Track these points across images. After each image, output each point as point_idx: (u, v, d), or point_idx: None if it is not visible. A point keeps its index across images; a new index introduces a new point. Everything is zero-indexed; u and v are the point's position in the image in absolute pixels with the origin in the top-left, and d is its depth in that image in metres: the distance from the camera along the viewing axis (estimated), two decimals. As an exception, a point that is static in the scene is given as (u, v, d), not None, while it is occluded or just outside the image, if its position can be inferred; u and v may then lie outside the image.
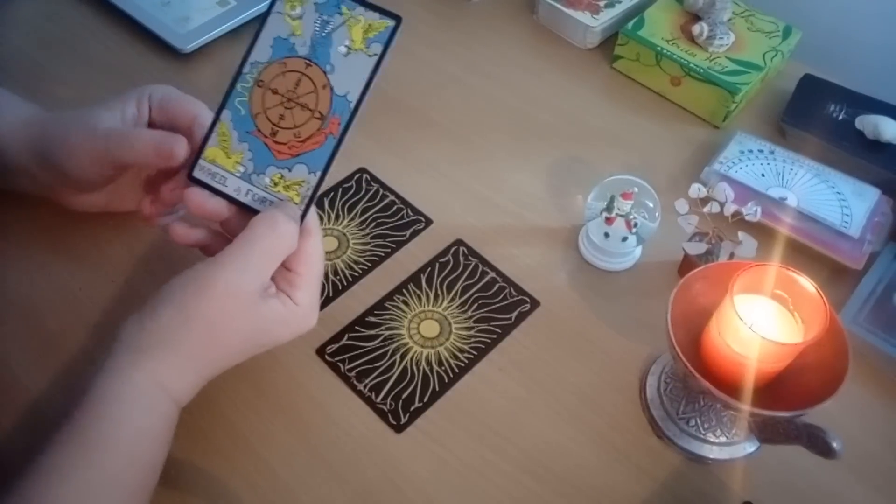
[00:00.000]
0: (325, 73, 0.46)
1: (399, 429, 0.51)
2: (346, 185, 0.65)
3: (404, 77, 0.74)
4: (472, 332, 0.56)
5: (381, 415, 0.52)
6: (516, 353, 0.55)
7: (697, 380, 0.44)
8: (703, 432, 0.50)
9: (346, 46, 0.46)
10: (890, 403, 0.54)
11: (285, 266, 0.46)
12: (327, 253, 0.60)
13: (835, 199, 0.62)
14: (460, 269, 0.60)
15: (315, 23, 0.47)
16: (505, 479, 0.49)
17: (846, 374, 0.43)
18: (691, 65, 0.70)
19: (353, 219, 0.63)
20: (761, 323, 0.45)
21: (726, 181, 0.61)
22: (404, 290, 0.58)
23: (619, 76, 0.76)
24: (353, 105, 0.46)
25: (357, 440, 0.51)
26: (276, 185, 0.47)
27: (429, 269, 0.60)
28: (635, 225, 0.59)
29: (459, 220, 0.63)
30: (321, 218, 0.62)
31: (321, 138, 0.47)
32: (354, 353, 0.55)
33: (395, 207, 0.64)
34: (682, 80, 0.71)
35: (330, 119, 0.46)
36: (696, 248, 0.57)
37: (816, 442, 0.42)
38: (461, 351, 0.55)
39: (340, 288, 0.58)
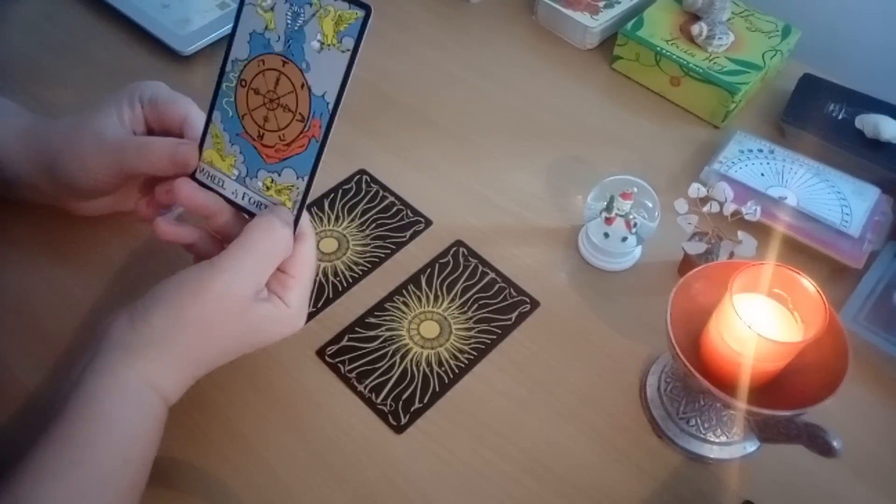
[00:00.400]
0: (301, 71, 0.45)
1: (399, 429, 0.51)
2: (345, 187, 0.65)
3: (404, 77, 0.74)
4: (472, 333, 0.56)
5: (382, 416, 0.52)
6: (516, 353, 0.55)
7: (697, 379, 0.44)
8: (703, 432, 0.50)
9: (318, 41, 0.44)
10: (890, 403, 0.54)
11: (279, 268, 0.46)
12: (327, 254, 0.60)
13: (835, 198, 0.62)
14: (460, 269, 0.60)
15: (286, 15, 0.45)
16: (505, 479, 0.49)
17: (846, 373, 0.43)
18: (691, 65, 0.70)
19: (352, 220, 0.63)
20: (761, 322, 0.45)
21: (726, 181, 0.61)
22: (404, 291, 0.58)
23: (618, 76, 0.76)
24: (331, 106, 0.45)
25: (357, 441, 0.51)
26: (268, 188, 0.47)
27: (429, 269, 0.60)
28: (635, 225, 0.59)
29: (459, 221, 0.63)
30: (321, 219, 0.62)
31: (305, 142, 0.46)
32: (354, 354, 0.55)
33: (394, 208, 0.64)
34: (682, 80, 0.71)
35: (311, 121, 0.45)
36: (696, 248, 0.57)
37: (816, 441, 0.42)
38: (461, 351, 0.55)
39: (340, 289, 0.58)
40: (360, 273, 0.59)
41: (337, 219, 0.63)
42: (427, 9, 0.82)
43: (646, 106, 0.74)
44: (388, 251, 0.61)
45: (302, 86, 0.45)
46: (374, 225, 0.62)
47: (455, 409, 0.52)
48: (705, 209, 0.56)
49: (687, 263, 0.59)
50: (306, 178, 0.46)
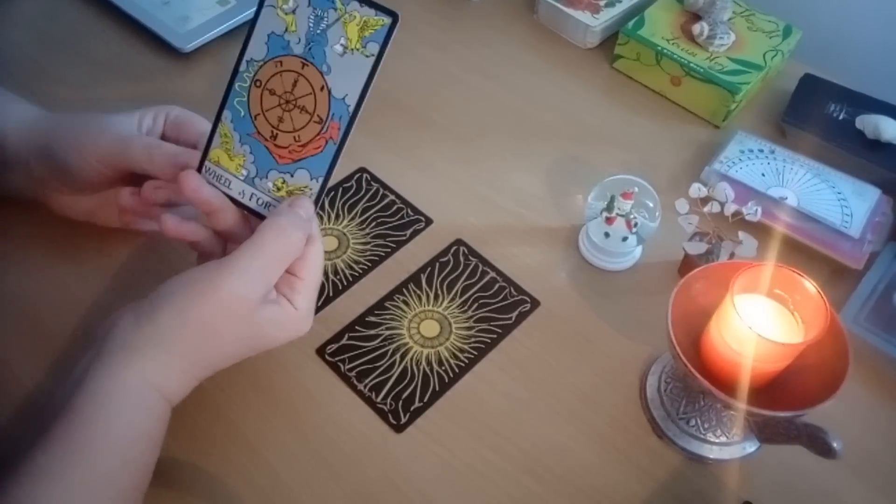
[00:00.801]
0: (322, 74, 0.45)
1: (399, 429, 0.51)
2: (346, 185, 0.65)
3: (404, 77, 0.74)
4: (472, 332, 0.56)
5: (382, 415, 0.52)
6: (516, 352, 0.55)
7: (697, 380, 0.44)
8: (703, 432, 0.50)
9: (342, 45, 0.44)
10: (890, 403, 0.54)
11: (288, 270, 0.46)
12: (328, 253, 0.60)
13: (835, 198, 0.62)
14: (460, 268, 0.60)
15: (309, 18, 0.45)
16: (505, 479, 0.49)
17: (846, 374, 0.43)
18: (691, 64, 0.70)
19: (353, 218, 0.63)
20: (761, 323, 0.45)
21: (726, 181, 0.61)
22: (404, 290, 0.58)
23: (619, 76, 0.76)
24: (351, 109, 0.45)
25: (357, 440, 0.51)
26: (279, 189, 0.47)
27: (429, 268, 0.60)
28: (635, 225, 0.59)
29: (459, 220, 0.63)
30: (321, 218, 0.62)
31: (321, 143, 0.45)
32: (354, 352, 0.55)
33: (395, 207, 0.63)
34: (683, 79, 0.71)
35: (329, 123, 0.45)
36: (697, 248, 0.57)
37: (816, 442, 0.42)
38: (461, 351, 0.55)
39: (341, 288, 0.58)
40: (361, 272, 0.59)
41: (337, 217, 0.63)
42: (427, 8, 0.82)
43: (646, 105, 0.73)
44: (389, 250, 0.61)
45: (322, 88, 0.45)
46: (374, 223, 0.62)
47: (455, 409, 0.52)
48: (706, 209, 0.56)
49: (687, 264, 0.59)
50: (321, 180, 0.46)
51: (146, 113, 0.53)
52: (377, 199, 0.64)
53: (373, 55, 0.44)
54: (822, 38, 0.78)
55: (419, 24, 0.80)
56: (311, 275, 0.47)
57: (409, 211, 0.63)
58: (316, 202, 0.46)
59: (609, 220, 0.58)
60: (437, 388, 0.53)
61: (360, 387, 0.53)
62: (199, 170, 0.48)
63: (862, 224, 0.60)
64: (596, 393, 0.54)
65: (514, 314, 0.57)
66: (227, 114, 0.48)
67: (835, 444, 0.41)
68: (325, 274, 0.59)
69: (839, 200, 0.62)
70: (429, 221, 0.63)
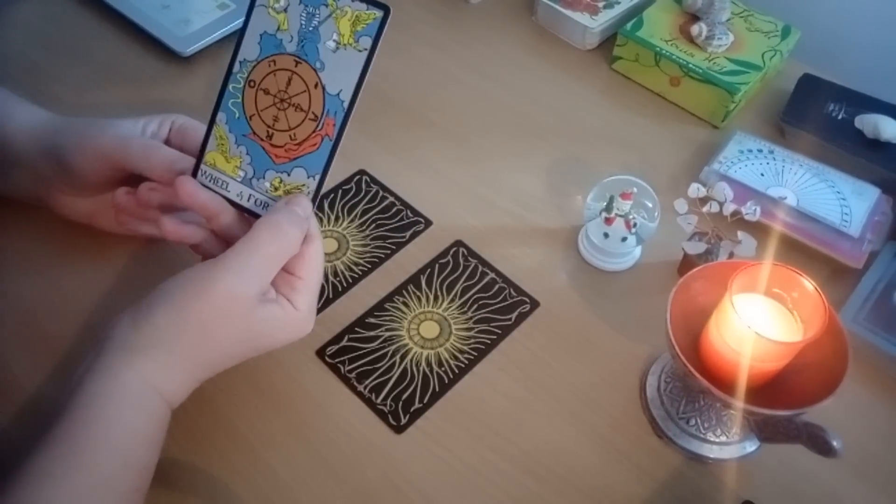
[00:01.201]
0: (315, 70, 0.45)
1: (399, 430, 0.51)
2: (345, 187, 0.65)
3: (404, 77, 0.74)
4: (472, 333, 0.56)
5: (382, 416, 0.52)
6: (516, 353, 0.55)
7: (697, 379, 0.44)
8: (703, 432, 0.50)
9: (334, 41, 0.44)
10: (890, 402, 0.54)
11: (287, 270, 0.46)
12: (328, 255, 0.60)
13: (834, 198, 0.62)
14: (460, 269, 0.60)
15: (301, 16, 0.45)
16: (505, 479, 0.49)
17: (846, 373, 0.43)
18: (690, 65, 0.70)
19: (352, 220, 0.63)
20: (760, 322, 0.45)
21: (725, 181, 0.61)
22: (404, 292, 0.58)
23: (618, 77, 0.76)
24: (346, 104, 0.45)
25: (357, 441, 0.51)
26: (276, 189, 0.47)
27: (428, 270, 0.60)
28: (635, 225, 0.59)
29: (459, 221, 0.63)
30: (320, 220, 0.62)
31: (317, 140, 0.45)
32: (354, 354, 0.55)
33: (394, 209, 0.64)
34: (682, 80, 0.71)
35: (325, 120, 0.45)
36: (696, 248, 0.57)
37: (816, 441, 0.42)
38: (461, 352, 0.55)
39: (340, 289, 0.58)
40: (360, 273, 0.59)
41: (337, 219, 0.63)
42: (426, 9, 0.82)
43: (645, 106, 0.74)
44: (388, 251, 0.61)
45: (316, 85, 0.45)
46: (373, 225, 0.62)
47: (455, 410, 0.52)
48: (705, 209, 0.56)
49: (687, 263, 0.59)
50: (318, 177, 0.46)
51: (152, 120, 0.53)
52: (376, 200, 0.64)
53: (366, 49, 0.44)
54: (820, 38, 0.78)
55: (418, 25, 0.80)
56: (311, 274, 0.46)
57: (409, 212, 0.63)
58: (314, 200, 0.46)
59: (608, 221, 0.58)
60: (437, 389, 0.53)
61: (361, 388, 0.53)
62: (194, 174, 0.48)
63: (861, 223, 0.60)
64: (596, 393, 0.54)
65: (514, 315, 0.57)
66: (221, 116, 0.48)
67: (835, 443, 0.41)
68: (325, 276, 0.59)
69: (838, 200, 0.62)
70: (428, 223, 0.63)
